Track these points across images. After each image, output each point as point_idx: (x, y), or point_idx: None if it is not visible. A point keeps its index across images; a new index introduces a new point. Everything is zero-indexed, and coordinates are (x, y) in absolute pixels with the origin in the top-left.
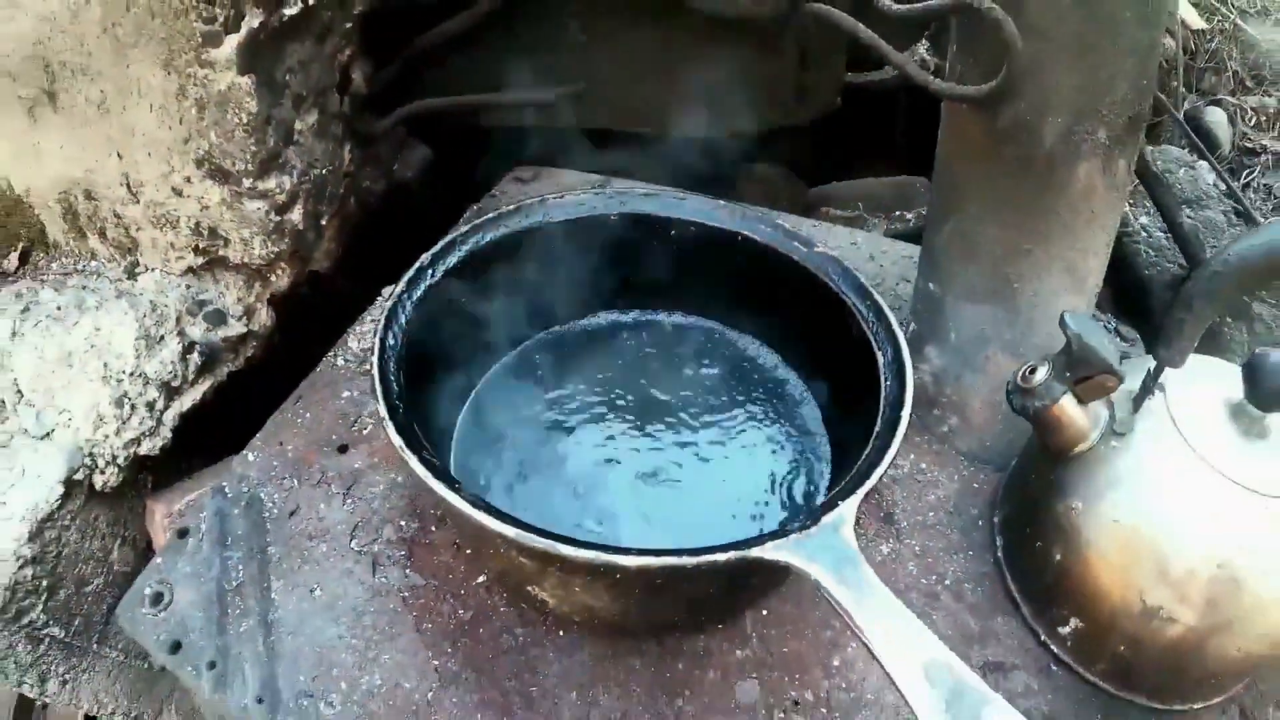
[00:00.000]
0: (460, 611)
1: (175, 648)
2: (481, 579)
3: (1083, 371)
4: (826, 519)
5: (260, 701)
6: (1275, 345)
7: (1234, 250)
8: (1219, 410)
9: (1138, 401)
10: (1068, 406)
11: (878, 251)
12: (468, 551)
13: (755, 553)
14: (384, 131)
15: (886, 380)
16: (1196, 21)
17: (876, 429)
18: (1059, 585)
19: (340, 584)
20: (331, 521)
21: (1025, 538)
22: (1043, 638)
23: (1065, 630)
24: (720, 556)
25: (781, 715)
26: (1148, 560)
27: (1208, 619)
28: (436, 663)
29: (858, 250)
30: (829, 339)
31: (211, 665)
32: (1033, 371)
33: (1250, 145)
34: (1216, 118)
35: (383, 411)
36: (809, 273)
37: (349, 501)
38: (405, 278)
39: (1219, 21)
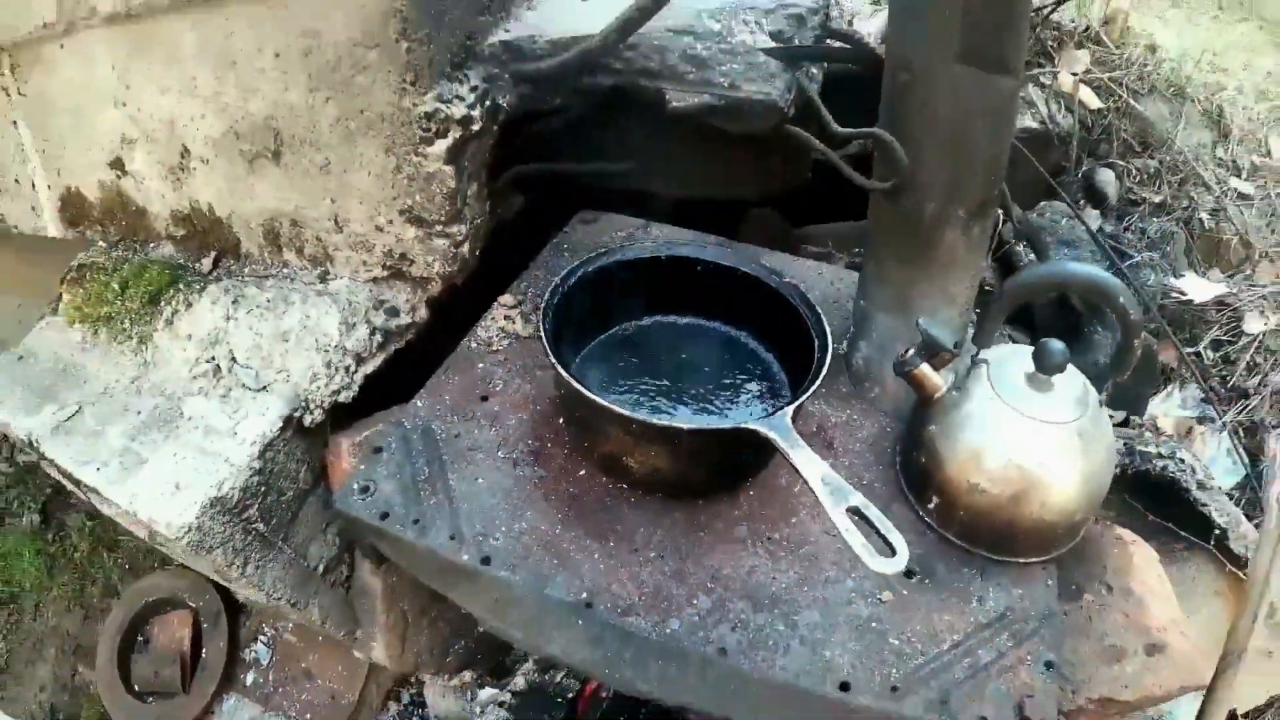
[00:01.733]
0: (571, 489)
1: (384, 516)
2: (583, 471)
3: (930, 350)
4: (779, 413)
5: (452, 538)
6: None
7: (1018, 278)
8: (1019, 375)
9: (968, 370)
10: (926, 372)
11: (837, 279)
12: (575, 455)
13: (747, 425)
14: (501, 187)
15: (818, 352)
16: (1094, 102)
17: (810, 375)
18: (925, 478)
19: (494, 475)
20: (483, 440)
21: (909, 453)
22: (920, 513)
23: (930, 505)
24: (728, 425)
25: (760, 543)
26: (973, 459)
27: (1007, 492)
28: (559, 516)
29: (822, 277)
30: (789, 331)
31: (415, 522)
32: (907, 352)
33: (1133, 198)
34: (1107, 177)
35: (549, 351)
36: (778, 293)
37: (493, 429)
38: (549, 290)
39: (1113, 101)
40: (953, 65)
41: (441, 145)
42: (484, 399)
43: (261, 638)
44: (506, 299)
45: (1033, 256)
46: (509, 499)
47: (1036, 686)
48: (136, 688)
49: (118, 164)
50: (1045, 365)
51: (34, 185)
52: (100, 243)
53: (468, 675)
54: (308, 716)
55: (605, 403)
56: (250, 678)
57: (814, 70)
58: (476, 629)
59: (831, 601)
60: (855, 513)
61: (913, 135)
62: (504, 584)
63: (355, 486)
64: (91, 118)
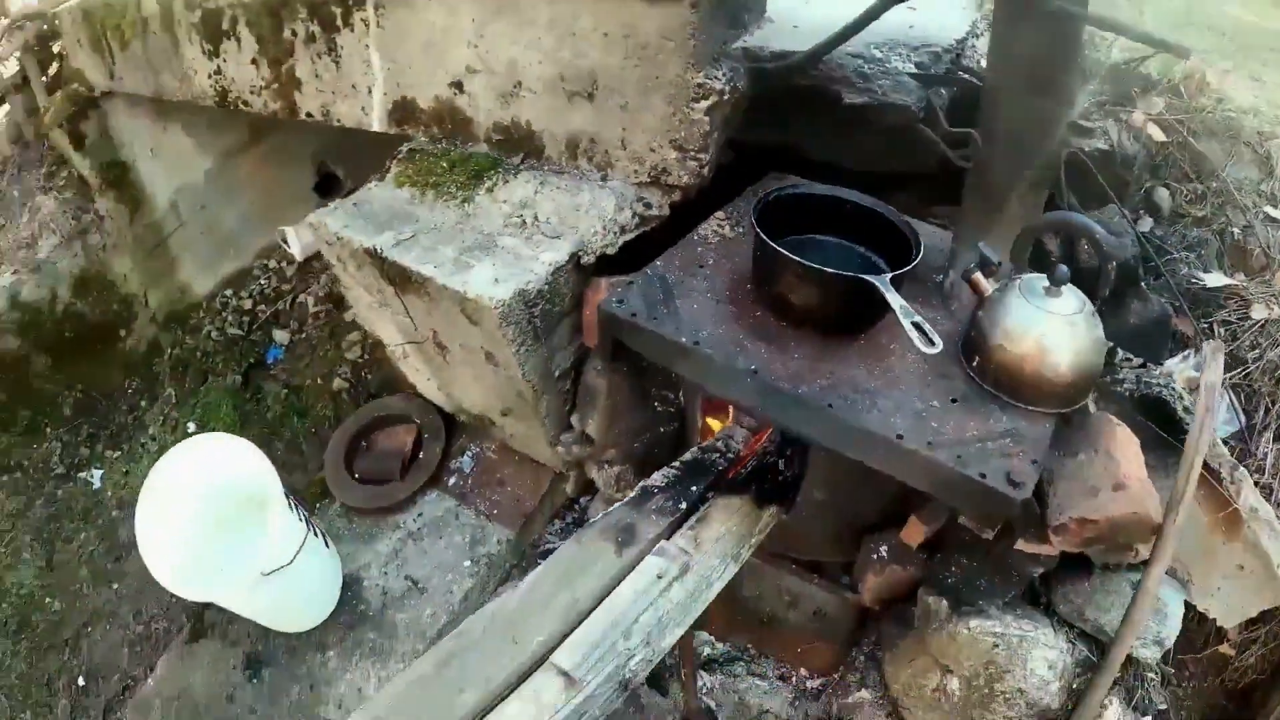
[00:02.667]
0: (751, 317)
1: (632, 315)
2: (759, 311)
3: (985, 265)
4: (884, 275)
5: (676, 330)
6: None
7: (1031, 223)
8: (1039, 286)
9: (1006, 281)
10: (980, 278)
11: (944, 237)
12: (756, 302)
13: (867, 278)
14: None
15: (914, 254)
16: (1159, 135)
17: (908, 268)
18: (973, 345)
19: (702, 303)
20: (697, 287)
21: (967, 333)
22: (969, 370)
23: (974, 364)
24: (851, 275)
25: (864, 363)
26: (1002, 331)
27: (1020, 351)
28: (741, 329)
29: (934, 234)
30: (900, 251)
31: (653, 318)
32: (970, 266)
33: (1181, 212)
34: (1162, 194)
35: (755, 224)
36: (895, 225)
37: (704, 282)
38: (755, 203)
39: (1176, 137)
40: (1017, 93)
41: (704, 104)
42: (700, 266)
43: (468, 452)
44: (719, 214)
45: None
46: (711, 317)
47: (1024, 469)
48: (357, 476)
49: (457, 85)
50: (1053, 280)
51: (370, 93)
52: (422, 138)
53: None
54: (494, 512)
55: (783, 251)
56: (453, 480)
57: (942, 91)
58: (658, 430)
59: (901, 400)
60: (917, 326)
61: (993, 135)
62: (705, 357)
63: (614, 300)
64: (442, 51)
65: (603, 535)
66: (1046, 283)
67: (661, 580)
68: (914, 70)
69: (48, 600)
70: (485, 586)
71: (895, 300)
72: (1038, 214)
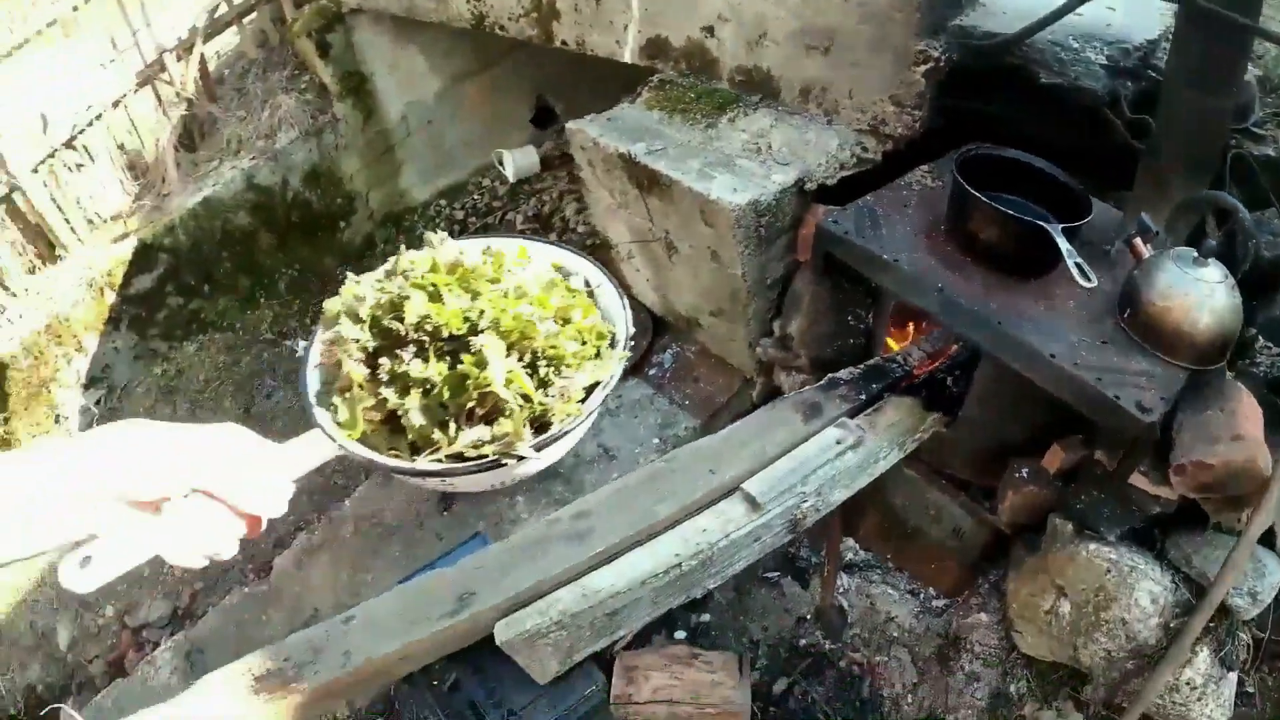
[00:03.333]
0: (944, 253)
1: (845, 232)
2: (949, 247)
3: (1144, 231)
4: (1059, 225)
5: (880, 248)
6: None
7: (1185, 200)
8: (1189, 255)
9: (1163, 250)
10: (1139, 243)
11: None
12: (948, 239)
13: (1042, 224)
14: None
15: (1086, 215)
16: None
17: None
18: (1128, 299)
19: (902, 232)
20: (900, 221)
21: (1124, 289)
22: (1122, 324)
23: (1125, 315)
24: (1033, 221)
25: (1038, 301)
26: (1154, 289)
27: (1168, 307)
28: (936, 261)
29: (1109, 213)
30: (1073, 207)
31: (861, 237)
32: (1132, 233)
33: None
34: None
35: (955, 170)
36: (1072, 189)
37: (904, 218)
38: (957, 155)
39: None
40: (1191, 91)
41: (923, 68)
42: (904, 207)
43: (670, 350)
44: (924, 167)
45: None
46: (909, 244)
47: (1153, 400)
48: None
49: (708, 30)
50: (1202, 251)
51: (625, 29)
52: (671, 72)
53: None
54: (686, 403)
55: (975, 193)
56: (653, 372)
57: (1128, 83)
58: (848, 341)
59: (1059, 331)
60: (1078, 266)
61: (1168, 126)
62: (902, 272)
63: (831, 219)
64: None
65: (794, 407)
66: (1196, 254)
67: (839, 446)
68: (1105, 62)
69: None
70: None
71: (1063, 244)
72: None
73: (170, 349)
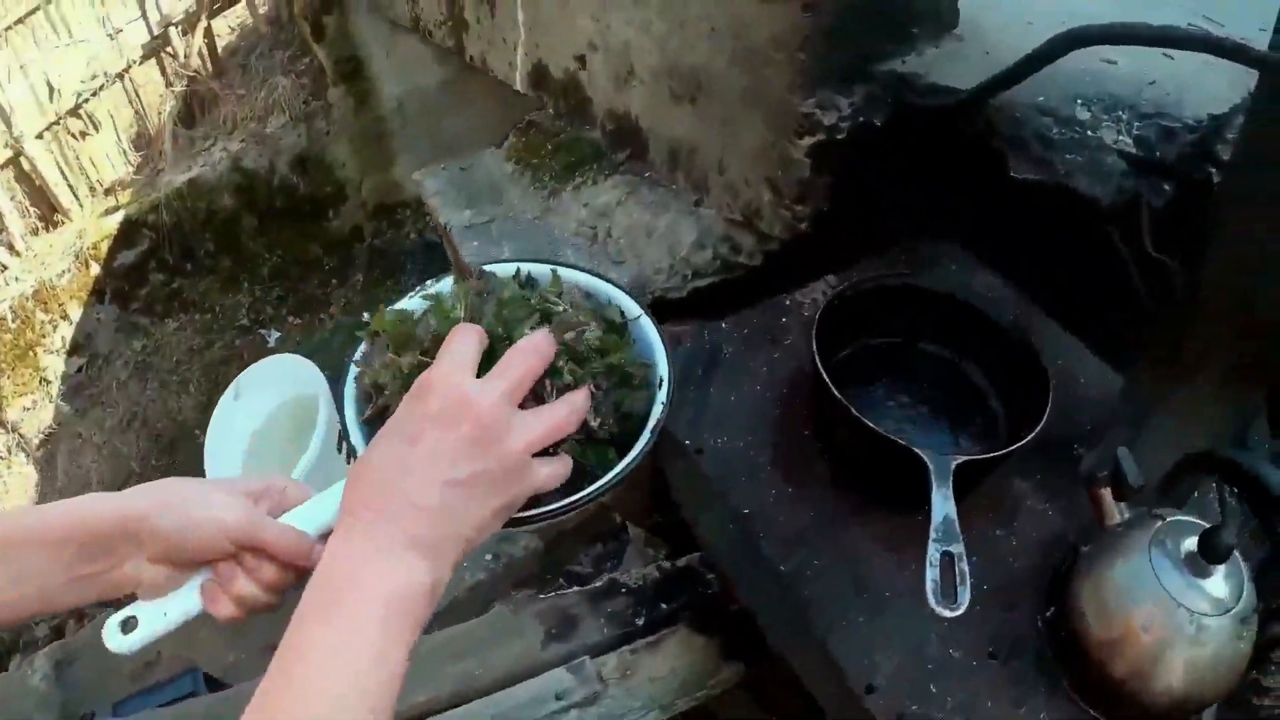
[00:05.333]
0: (795, 440)
1: None
2: (807, 432)
3: (1118, 481)
4: (950, 455)
5: (689, 422)
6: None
7: (1212, 449)
8: (1183, 547)
9: (1144, 515)
10: (1105, 497)
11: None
12: (811, 420)
13: (918, 450)
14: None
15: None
16: None
17: (1001, 451)
18: (1057, 587)
19: (745, 402)
20: (752, 372)
21: (1060, 559)
22: (1038, 618)
23: (1047, 614)
24: (891, 439)
25: (911, 560)
26: (1095, 592)
27: (1106, 638)
28: (767, 458)
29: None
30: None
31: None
32: (1099, 474)
33: None
34: None
35: (817, 327)
36: (1029, 359)
37: (764, 366)
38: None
39: None
40: (1259, 226)
41: (808, 141)
42: (772, 343)
43: None
44: (832, 277)
45: None
46: (745, 419)
47: None
48: None
49: (580, 60)
50: (1207, 550)
51: (515, 49)
52: (550, 110)
53: None
54: None
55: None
56: None
57: (1165, 186)
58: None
59: (909, 631)
60: (948, 556)
61: (1213, 273)
62: (698, 474)
63: None
64: (572, 20)
65: (541, 618)
66: (1198, 548)
67: (559, 701)
68: (1129, 148)
69: (196, 433)
70: (496, 586)
71: (940, 503)
72: (1236, 413)
73: (152, 324)
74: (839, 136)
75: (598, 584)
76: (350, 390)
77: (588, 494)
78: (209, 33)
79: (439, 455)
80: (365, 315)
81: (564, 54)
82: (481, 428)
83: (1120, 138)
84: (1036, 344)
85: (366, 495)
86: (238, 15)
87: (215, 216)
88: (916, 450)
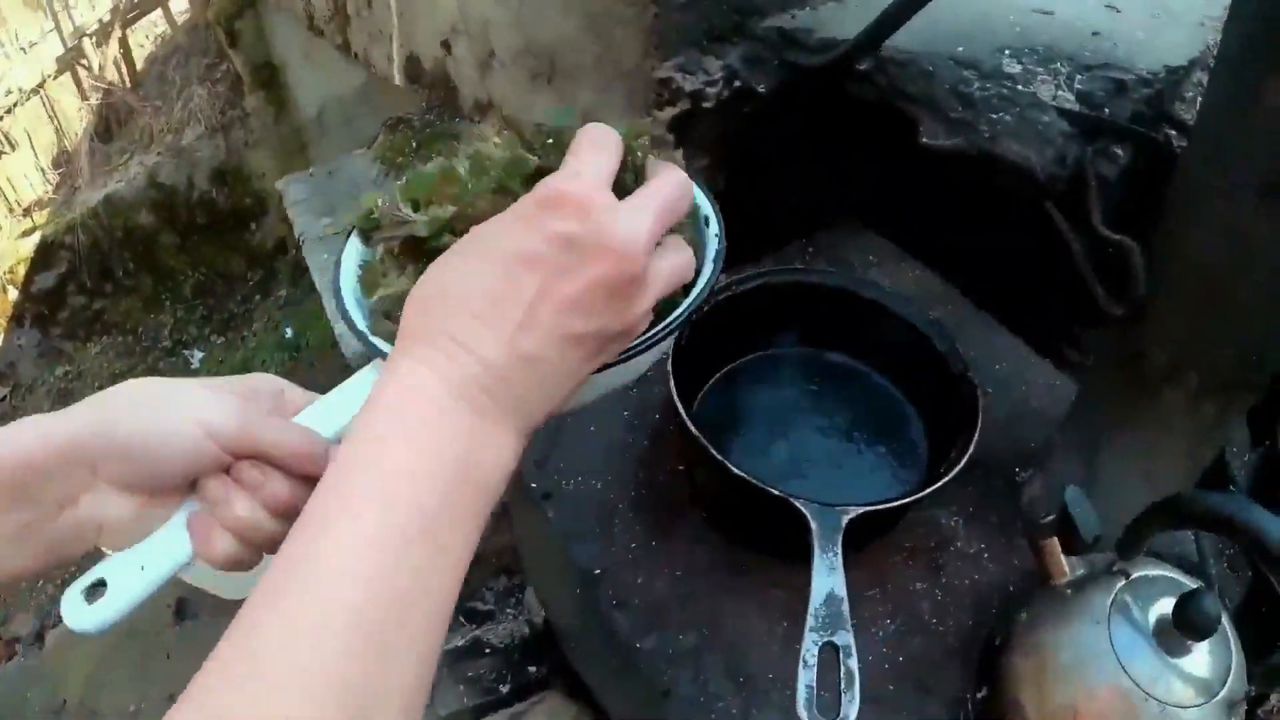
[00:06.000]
0: (660, 480)
1: None
2: (676, 471)
3: (1062, 525)
4: (839, 508)
5: (538, 462)
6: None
7: (1188, 494)
8: (1153, 614)
9: (1102, 572)
10: (1053, 550)
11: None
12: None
13: (795, 500)
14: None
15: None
16: None
17: (913, 494)
18: (989, 661)
19: (606, 436)
20: (619, 400)
21: (994, 625)
22: (968, 699)
23: (979, 694)
24: (776, 492)
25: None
26: (1037, 674)
27: None
28: (628, 503)
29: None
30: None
31: None
32: (1047, 516)
33: None
34: None
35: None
36: (952, 369)
37: (632, 393)
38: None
39: None
40: (1242, 193)
41: (669, 113)
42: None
43: None
44: (721, 278)
45: None
46: (602, 458)
47: None
48: None
49: (446, 45)
50: (1184, 621)
51: (392, 40)
52: (423, 103)
53: None
54: None
55: (679, 406)
56: None
57: (1116, 151)
58: None
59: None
60: (830, 649)
61: (1169, 263)
62: (543, 521)
63: None
64: (436, 1)
65: None
66: (1172, 612)
67: None
68: (1071, 105)
69: None
70: None
71: (823, 576)
72: (1212, 436)
73: (74, 349)
74: (707, 105)
75: (459, 642)
76: (349, 269)
77: (675, 318)
78: (124, 43)
79: (564, 295)
80: (288, 332)
81: (431, 40)
82: (624, 276)
83: (1060, 93)
84: (965, 350)
85: (440, 322)
86: (154, 24)
87: (133, 234)
88: (794, 502)
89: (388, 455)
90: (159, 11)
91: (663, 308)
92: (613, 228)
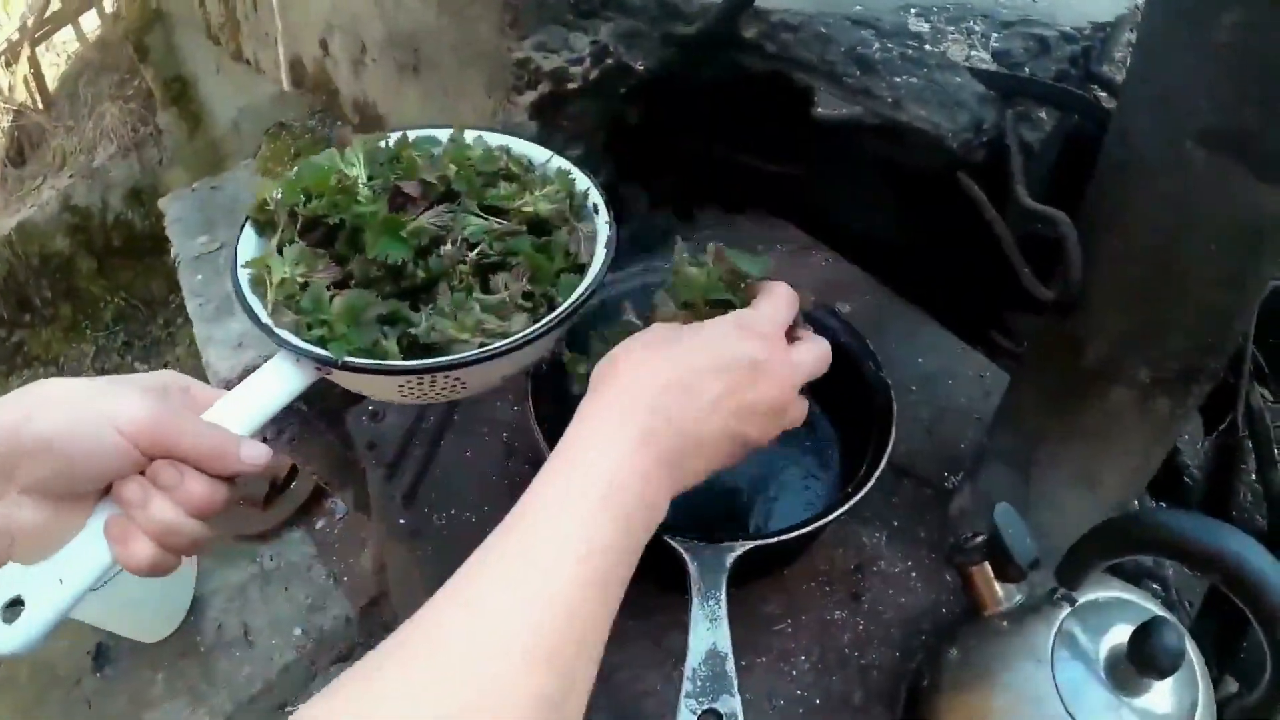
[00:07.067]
0: None
1: (370, 446)
2: None
3: (992, 549)
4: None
5: (404, 497)
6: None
7: (1151, 516)
8: (1105, 647)
9: (1043, 599)
10: (985, 576)
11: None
12: None
13: (673, 541)
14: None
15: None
16: None
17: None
18: (915, 700)
19: (484, 458)
20: (498, 420)
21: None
22: None
23: None
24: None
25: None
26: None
27: None
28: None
29: (981, 381)
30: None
31: (384, 463)
32: (974, 538)
33: None
34: None
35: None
36: (863, 372)
37: (511, 412)
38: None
39: None
40: (1185, 145)
41: (529, 96)
42: (522, 373)
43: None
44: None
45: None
46: (478, 482)
47: None
48: None
49: (324, 45)
50: (1141, 657)
51: (277, 43)
52: (306, 108)
53: None
54: (345, 578)
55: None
56: (322, 524)
57: (1041, 115)
58: None
59: None
60: (714, 716)
61: (1106, 238)
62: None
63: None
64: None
65: None
66: (1128, 646)
67: None
68: (986, 65)
69: None
70: (314, 661)
71: (701, 630)
72: (1166, 433)
73: None
74: (572, 86)
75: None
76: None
77: (566, 307)
78: (34, 61)
79: (742, 402)
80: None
81: (310, 40)
82: (782, 400)
83: (974, 53)
84: (886, 345)
85: (632, 392)
86: (65, 41)
87: (50, 261)
88: (669, 540)
89: (614, 499)
90: (69, 27)
91: (560, 294)
92: (785, 362)
